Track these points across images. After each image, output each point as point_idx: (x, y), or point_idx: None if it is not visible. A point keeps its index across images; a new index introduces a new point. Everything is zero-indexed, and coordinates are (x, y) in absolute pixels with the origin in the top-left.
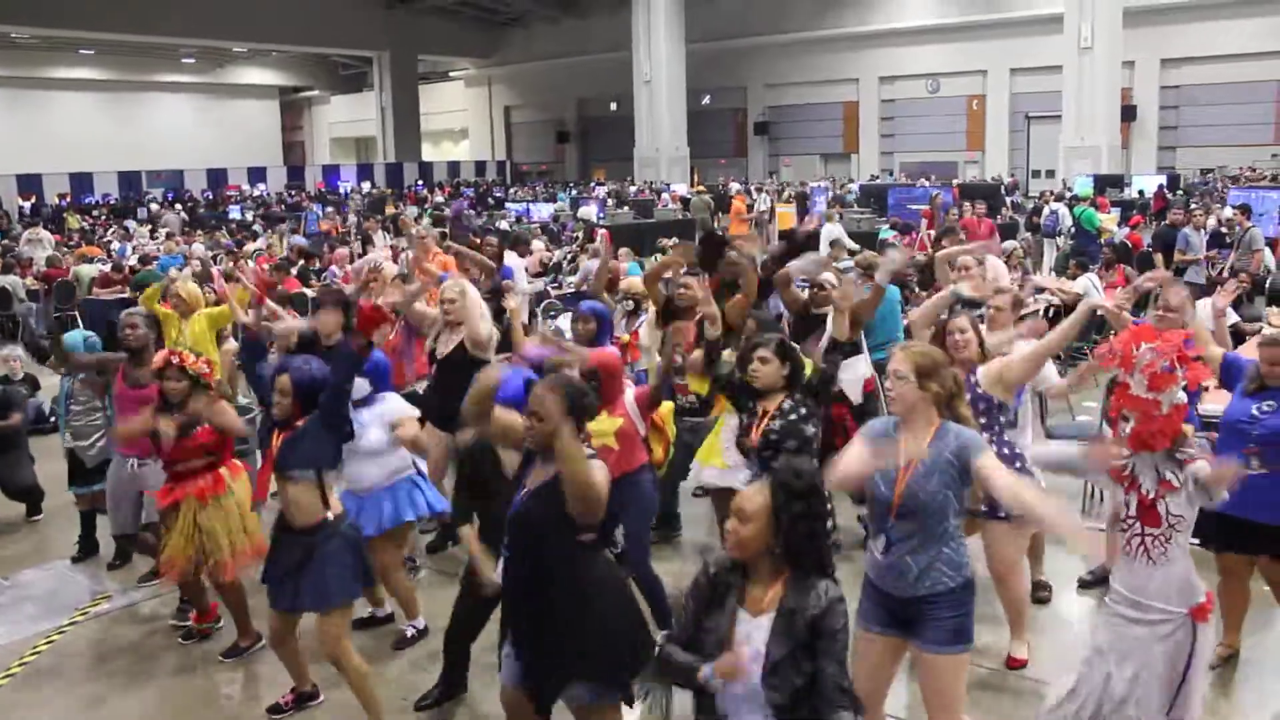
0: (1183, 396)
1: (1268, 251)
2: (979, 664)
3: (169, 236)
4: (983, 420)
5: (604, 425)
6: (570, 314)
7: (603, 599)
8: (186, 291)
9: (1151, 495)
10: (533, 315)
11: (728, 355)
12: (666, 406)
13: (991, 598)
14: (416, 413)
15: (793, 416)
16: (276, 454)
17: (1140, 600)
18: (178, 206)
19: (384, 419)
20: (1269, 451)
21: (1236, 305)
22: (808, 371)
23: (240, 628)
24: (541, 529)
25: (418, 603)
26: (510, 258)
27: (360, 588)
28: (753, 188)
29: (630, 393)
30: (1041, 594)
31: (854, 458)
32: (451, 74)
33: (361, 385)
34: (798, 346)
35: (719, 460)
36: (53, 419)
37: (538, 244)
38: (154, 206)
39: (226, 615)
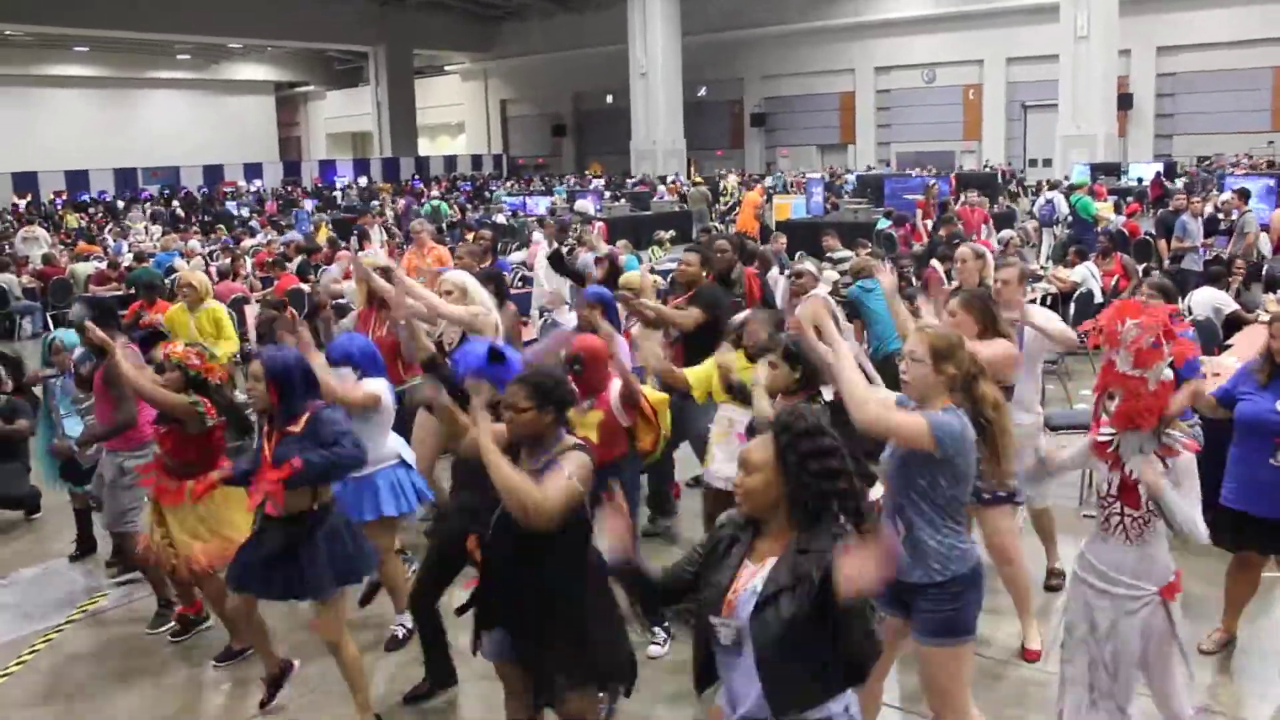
0: (1169, 373)
1: (1264, 237)
2: (980, 654)
3: (135, 233)
4: None
5: (586, 418)
6: (570, 310)
7: (586, 589)
8: (197, 280)
9: (1135, 475)
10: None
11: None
12: (658, 397)
13: (997, 586)
14: (382, 387)
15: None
16: (271, 457)
17: (1110, 573)
18: (174, 203)
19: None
20: None
21: (1234, 293)
22: None
23: (232, 631)
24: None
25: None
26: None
27: (360, 573)
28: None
29: (617, 383)
30: (1054, 581)
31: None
32: (447, 68)
33: (347, 374)
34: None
35: (710, 463)
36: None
37: (538, 235)
38: (120, 204)
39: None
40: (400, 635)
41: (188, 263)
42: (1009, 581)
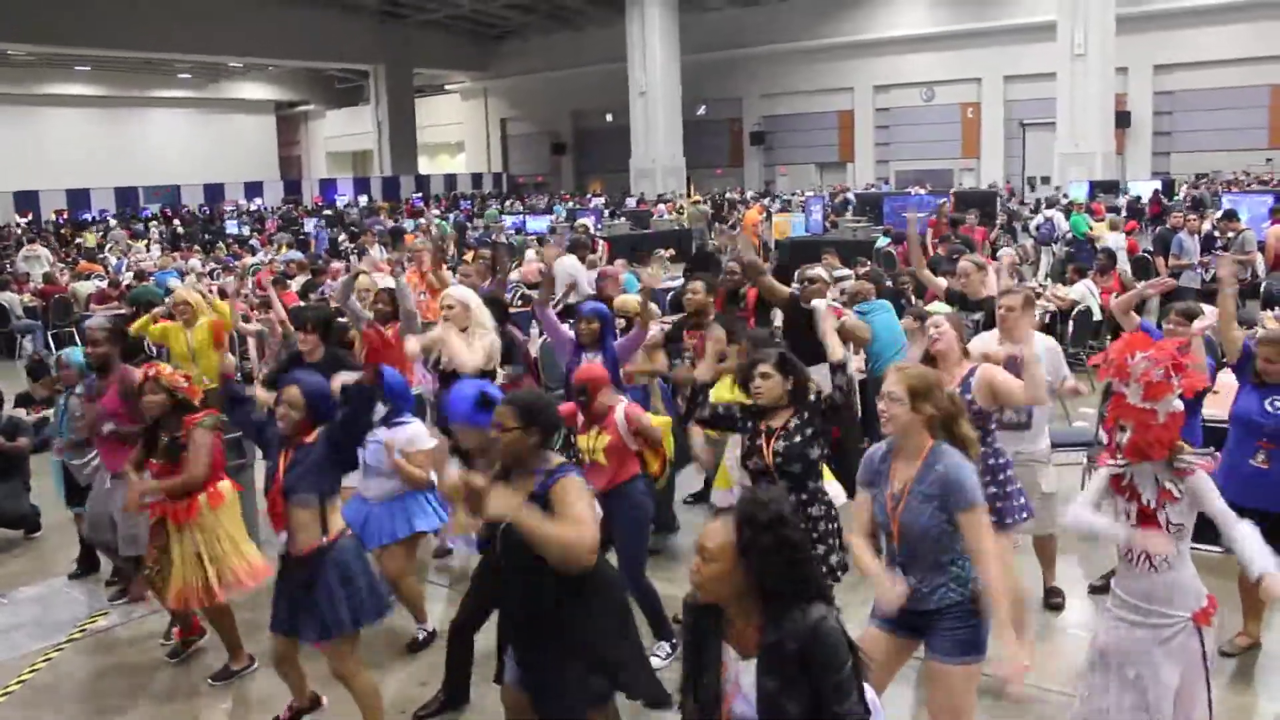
0: (1179, 405)
1: (1259, 256)
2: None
3: (114, 250)
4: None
5: (594, 442)
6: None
7: (595, 606)
8: (193, 298)
9: (1152, 505)
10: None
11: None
12: (662, 420)
13: None
14: (432, 444)
15: (798, 438)
16: (284, 477)
17: (1142, 605)
18: (175, 222)
19: (398, 444)
20: None
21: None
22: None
23: (231, 650)
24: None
25: (425, 609)
26: (571, 262)
27: (373, 616)
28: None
29: (621, 408)
30: (1054, 600)
31: (861, 506)
32: (447, 87)
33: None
34: (799, 361)
35: (725, 483)
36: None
37: (530, 254)
38: (111, 221)
39: (212, 631)
40: (421, 637)
41: (182, 280)
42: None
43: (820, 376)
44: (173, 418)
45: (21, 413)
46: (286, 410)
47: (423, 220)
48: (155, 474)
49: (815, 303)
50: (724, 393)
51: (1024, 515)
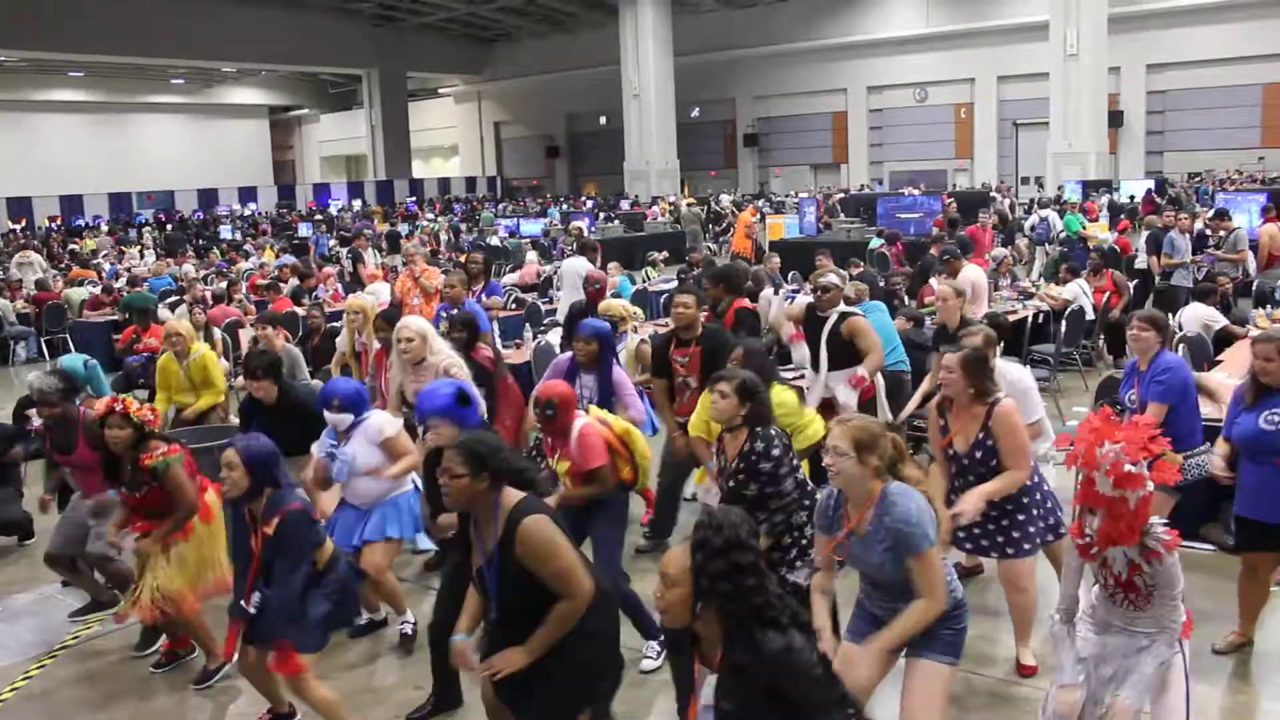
0: (1149, 486)
1: (1250, 254)
2: (982, 673)
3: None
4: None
5: (559, 465)
6: (560, 330)
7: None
8: (184, 329)
9: (1125, 576)
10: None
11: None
12: (622, 425)
13: (999, 608)
14: (399, 423)
15: (753, 458)
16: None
17: (1125, 627)
18: (169, 227)
19: (369, 436)
20: None
21: (1224, 309)
22: (810, 423)
23: (206, 650)
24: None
25: (404, 603)
26: (581, 262)
27: (343, 622)
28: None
29: (575, 429)
30: None
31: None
32: (441, 90)
33: (344, 419)
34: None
35: (702, 478)
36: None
37: (531, 256)
38: (103, 227)
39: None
40: (409, 631)
41: (174, 283)
42: (1021, 609)
43: (837, 385)
44: (138, 449)
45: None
46: (228, 473)
47: (424, 223)
48: (131, 506)
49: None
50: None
51: (1050, 538)
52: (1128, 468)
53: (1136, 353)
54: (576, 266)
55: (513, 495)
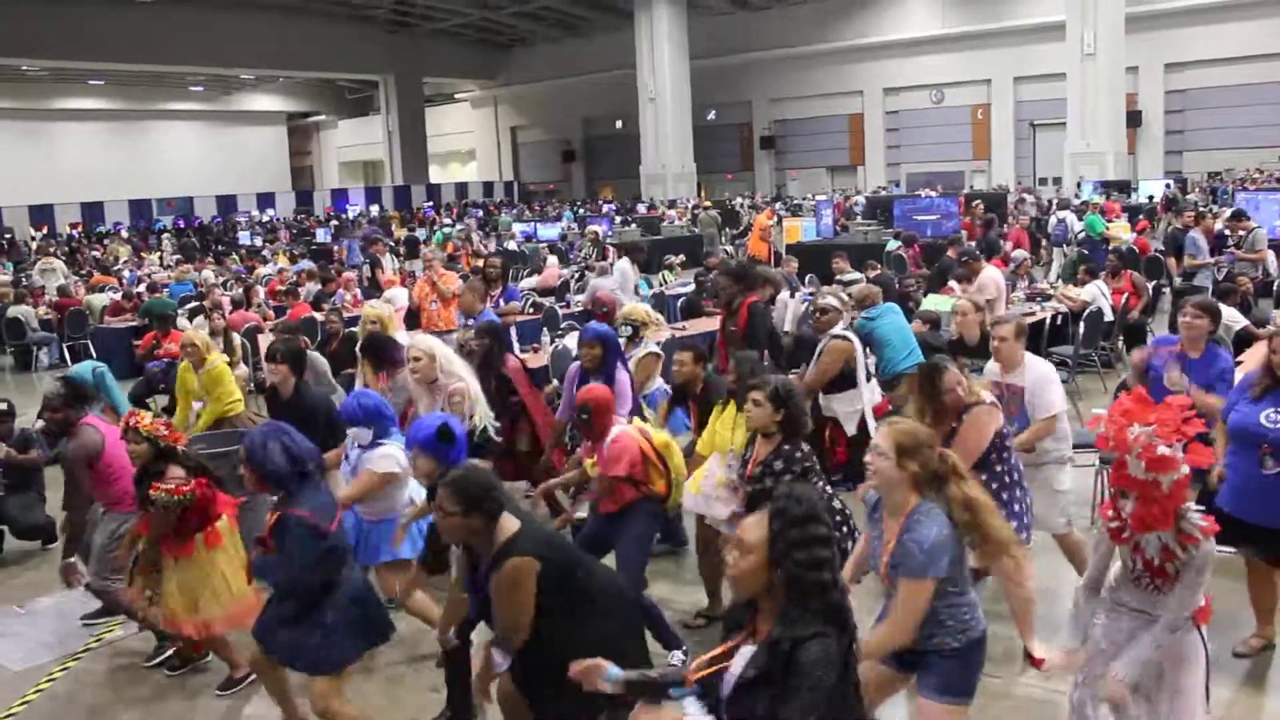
0: (1184, 469)
1: (1270, 254)
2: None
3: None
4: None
5: (593, 470)
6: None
7: (593, 625)
8: (200, 340)
9: (1157, 562)
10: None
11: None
12: (662, 438)
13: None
14: (397, 469)
15: (777, 464)
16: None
17: (1145, 610)
18: (188, 234)
19: (364, 462)
20: None
21: (1244, 309)
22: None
23: (229, 662)
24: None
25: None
26: (625, 265)
27: (379, 636)
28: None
29: (609, 440)
30: None
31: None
32: (457, 96)
33: (363, 434)
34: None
35: (694, 488)
36: None
37: (552, 260)
38: (124, 234)
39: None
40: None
41: (194, 289)
42: (1021, 602)
43: (841, 405)
44: (157, 465)
45: (39, 424)
46: (242, 465)
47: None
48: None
49: None
50: (725, 431)
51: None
52: (1161, 450)
53: (1187, 340)
54: (624, 268)
55: (509, 526)
